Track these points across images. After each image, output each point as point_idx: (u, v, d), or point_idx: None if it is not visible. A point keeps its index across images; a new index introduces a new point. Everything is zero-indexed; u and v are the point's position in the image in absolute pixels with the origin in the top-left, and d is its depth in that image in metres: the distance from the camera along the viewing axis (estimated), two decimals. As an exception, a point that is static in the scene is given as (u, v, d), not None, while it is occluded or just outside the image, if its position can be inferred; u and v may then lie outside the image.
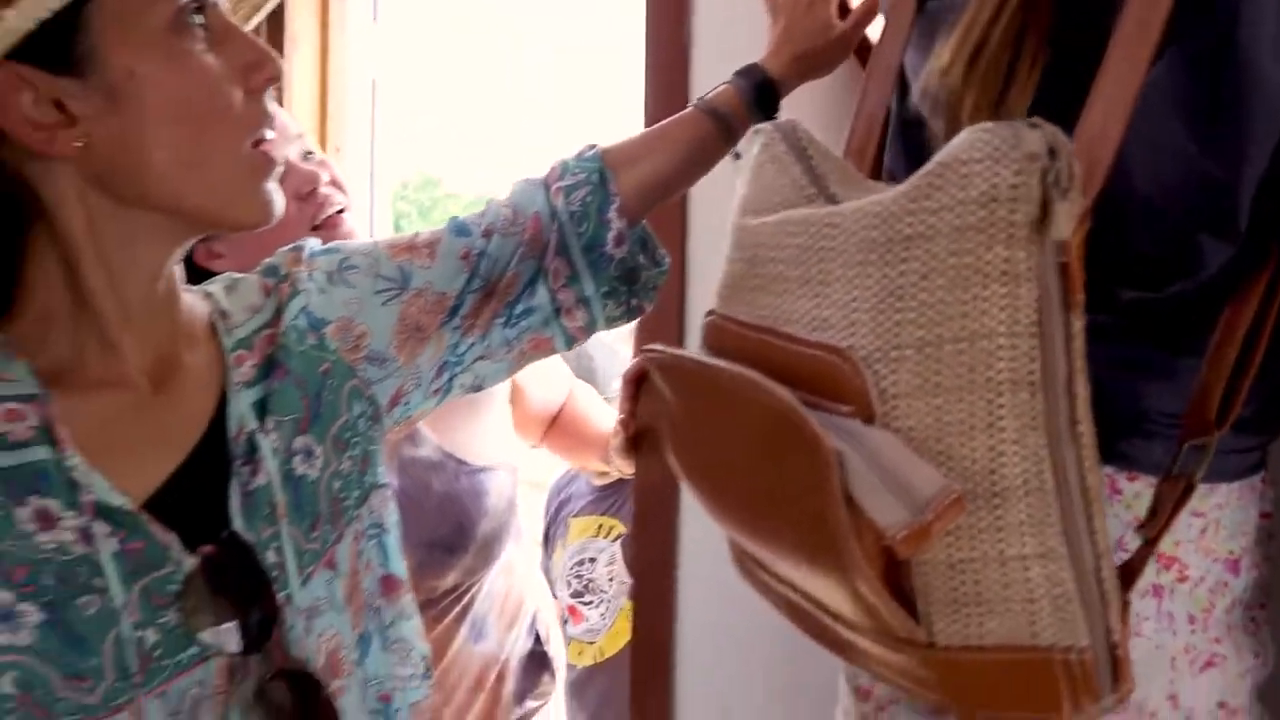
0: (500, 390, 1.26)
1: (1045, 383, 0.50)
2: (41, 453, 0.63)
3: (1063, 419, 0.51)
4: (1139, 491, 0.67)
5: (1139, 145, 0.57)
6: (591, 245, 0.81)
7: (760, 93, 0.84)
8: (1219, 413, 0.60)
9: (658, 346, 0.66)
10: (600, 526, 1.62)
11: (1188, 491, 0.61)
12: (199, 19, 0.64)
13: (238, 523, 0.67)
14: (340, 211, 1.09)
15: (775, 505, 0.57)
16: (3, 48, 0.57)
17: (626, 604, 1.63)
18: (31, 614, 0.60)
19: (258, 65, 0.66)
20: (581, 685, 1.56)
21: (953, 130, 0.66)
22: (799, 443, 0.51)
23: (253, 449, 0.69)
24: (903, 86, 0.74)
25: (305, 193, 1.06)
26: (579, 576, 1.60)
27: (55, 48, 0.59)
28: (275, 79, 0.67)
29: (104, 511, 0.63)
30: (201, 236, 0.71)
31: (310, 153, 1.09)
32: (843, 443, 0.51)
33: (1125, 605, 0.57)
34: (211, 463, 0.68)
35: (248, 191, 0.67)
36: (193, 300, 0.74)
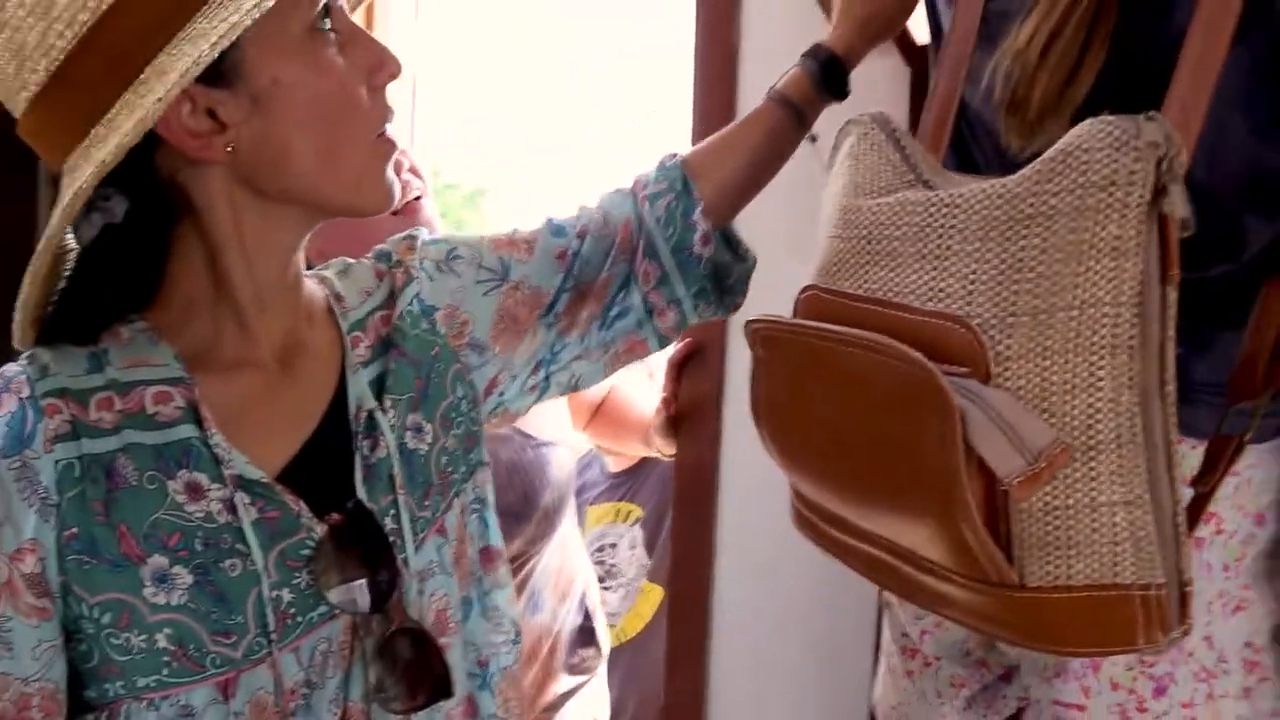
0: None
1: (1142, 347, 0.57)
2: (187, 430, 0.68)
3: (1154, 380, 0.58)
4: (1184, 453, 0.75)
5: (1201, 137, 0.64)
6: (679, 247, 0.85)
7: (827, 71, 0.86)
8: (1264, 379, 0.68)
9: (764, 317, 0.71)
10: (618, 511, 1.67)
11: (1239, 449, 0.68)
12: (327, 23, 0.68)
13: (361, 492, 0.72)
14: (418, 198, 1.13)
15: (889, 459, 0.64)
16: (195, 76, 0.61)
17: (645, 585, 1.68)
18: (184, 576, 0.66)
19: (380, 64, 0.71)
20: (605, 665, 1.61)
21: (1017, 118, 0.72)
22: (927, 400, 0.57)
23: (372, 425, 0.74)
24: None
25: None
26: (600, 562, 1.64)
27: (216, 68, 0.63)
28: (395, 75, 0.72)
29: (244, 483, 0.68)
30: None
31: None
32: (964, 400, 0.57)
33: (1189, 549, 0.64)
34: (335, 436, 0.73)
35: (374, 179, 0.72)
36: (310, 284, 0.78)
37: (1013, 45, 0.70)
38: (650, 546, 1.70)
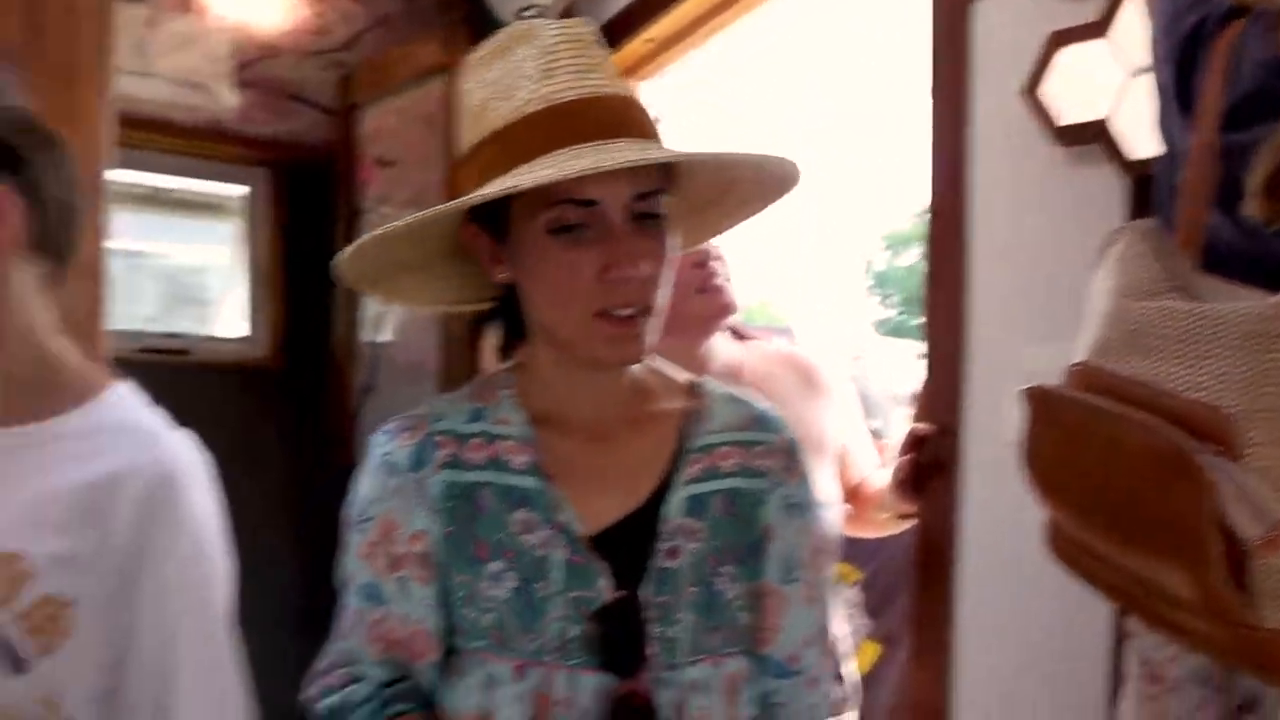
0: (836, 443, 1.49)
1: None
2: (532, 481, 0.92)
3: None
4: None
5: None
6: None
7: None
8: None
9: (1044, 384, 0.88)
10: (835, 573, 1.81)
11: None
12: (575, 232, 0.85)
13: (649, 588, 0.89)
14: (725, 280, 1.39)
15: (1146, 513, 0.79)
16: (467, 205, 0.86)
17: (863, 643, 1.83)
18: (511, 580, 0.90)
19: (614, 264, 0.84)
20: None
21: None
22: (1187, 471, 0.73)
23: (676, 538, 0.91)
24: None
25: (695, 262, 1.36)
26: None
27: (495, 221, 0.91)
28: (627, 279, 0.85)
29: (566, 531, 0.90)
30: None
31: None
32: (1218, 474, 0.72)
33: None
34: (644, 528, 0.91)
35: (593, 345, 0.88)
36: (671, 380, 1.00)
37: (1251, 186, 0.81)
38: (872, 608, 1.84)
